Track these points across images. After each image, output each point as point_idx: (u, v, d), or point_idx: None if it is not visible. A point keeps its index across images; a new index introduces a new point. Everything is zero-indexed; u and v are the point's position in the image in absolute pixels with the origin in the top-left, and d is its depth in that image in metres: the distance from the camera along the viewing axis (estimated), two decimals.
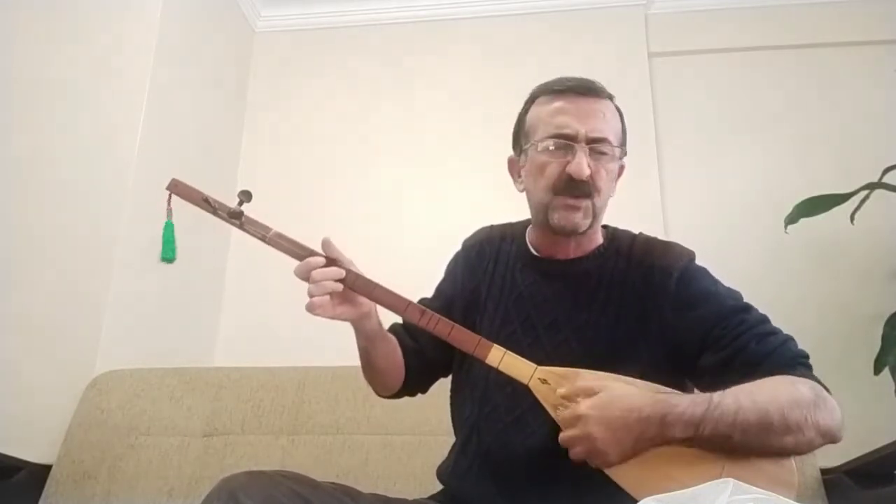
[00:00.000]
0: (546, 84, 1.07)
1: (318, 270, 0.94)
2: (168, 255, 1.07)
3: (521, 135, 1.09)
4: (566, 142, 1.00)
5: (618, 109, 1.07)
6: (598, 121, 1.01)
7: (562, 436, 0.88)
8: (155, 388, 1.68)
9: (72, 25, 1.98)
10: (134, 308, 1.83)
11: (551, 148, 1.01)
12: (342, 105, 2.51)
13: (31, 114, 1.91)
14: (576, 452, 0.87)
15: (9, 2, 1.99)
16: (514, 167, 1.13)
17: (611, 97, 1.06)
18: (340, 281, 0.95)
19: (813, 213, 1.86)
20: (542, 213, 1.04)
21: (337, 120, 2.49)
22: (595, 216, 1.03)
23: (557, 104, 1.03)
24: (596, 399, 0.86)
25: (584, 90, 1.03)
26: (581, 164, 0.98)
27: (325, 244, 0.97)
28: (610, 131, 1.02)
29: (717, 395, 0.85)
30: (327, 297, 0.94)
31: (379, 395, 1.18)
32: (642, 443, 0.84)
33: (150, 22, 1.97)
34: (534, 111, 1.07)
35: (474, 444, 1.06)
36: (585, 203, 1.01)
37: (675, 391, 0.89)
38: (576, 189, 1.00)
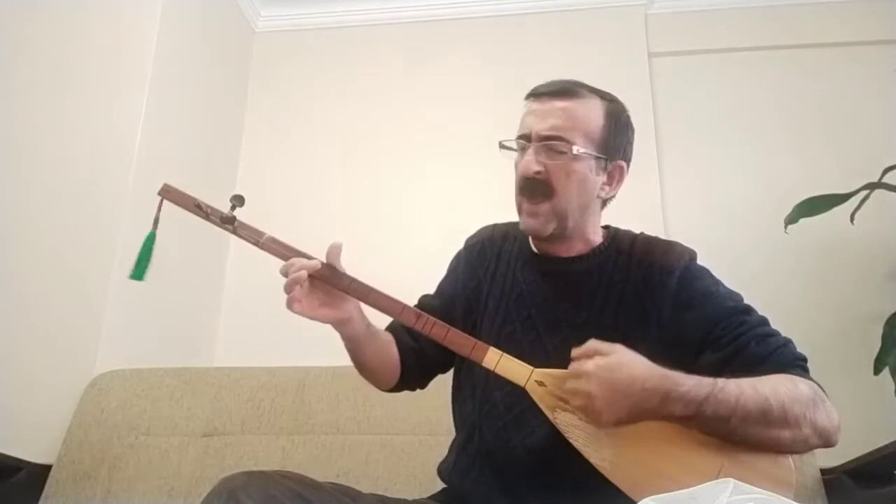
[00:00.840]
0: (532, 88, 1.08)
1: (292, 266, 0.95)
2: (138, 275, 1.00)
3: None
4: (522, 142, 1.02)
5: (608, 110, 1.05)
6: (555, 119, 1.00)
7: (566, 385, 0.88)
8: (155, 388, 1.68)
9: (72, 25, 1.98)
10: (134, 308, 1.83)
11: (514, 149, 1.04)
12: (342, 105, 2.51)
13: (30, 114, 1.91)
14: (574, 405, 0.88)
15: (8, 2, 1.98)
16: None
17: (601, 96, 1.05)
18: (342, 289, 0.97)
19: (813, 213, 1.86)
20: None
21: (337, 119, 2.49)
22: (561, 219, 1.02)
23: (527, 107, 1.05)
24: (604, 360, 0.86)
25: (556, 91, 1.03)
26: (526, 162, 1.00)
27: (333, 249, 0.97)
28: (571, 129, 1.00)
29: (721, 380, 0.86)
30: (300, 289, 0.94)
31: (377, 388, 1.18)
32: (640, 412, 0.84)
33: (150, 22, 1.97)
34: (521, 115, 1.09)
35: (475, 443, 1.06)
36: (544, 206, 1.01)
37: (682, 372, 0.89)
38: (527, 189, 1.01)
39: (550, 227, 1.02)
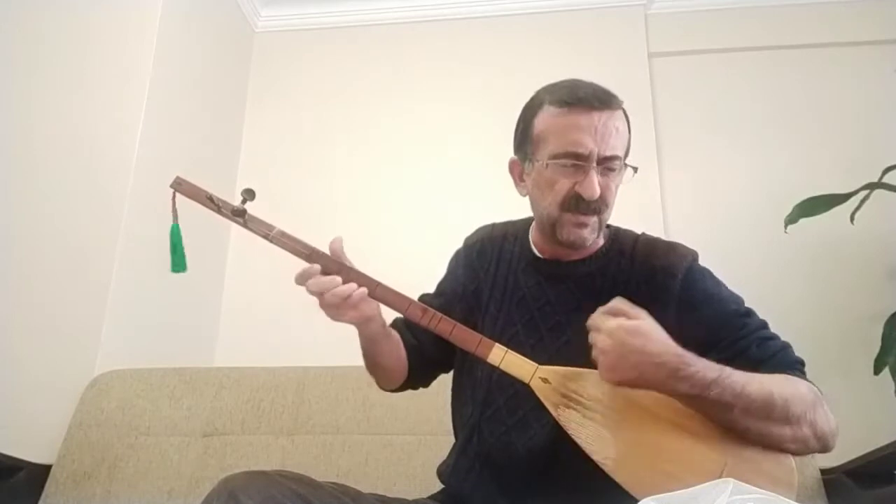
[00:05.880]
0: (556, 90, 1.02)
1: (322, 282, 0.95)
2: (178, 268, 1.02)
3: (527, 141, 1.04)
4: (578, 162, 0.97)
5: (626, 115, 1.03)
6: (611, 138, 0.97)
7: (591, 334, 0.89)
8: (155, 388, 1.68)
9: (72, 25, 1.98)
10: (134, 308, 1.83)
11: (562, 165, 0.98)
12: (342, 105, 2.51)
13: (30, 114, 1.91)
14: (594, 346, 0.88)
15: (9, 2, 1.98)
16: (515, 169, 1.10)
17: (621, 104, 1.01)
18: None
19: (813, 213, 1.86)
20: (548, 225, 1.03)
21: (337, 120, 2.49)
22: (601, 229, 1.03)
23: (570, 118, 0.97)
24: (628, 323, 0.86)
25: (598, 103, 0.97)
26: (593, 186, 0.96)
27: (335, 243, 0.98)
28: (621, 147, 1.00)
29: (729, 368, 0.86)
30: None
31: (381, 388, 1.18)
32: (645, 382, 0.85)
33: (150, 22, 1.97)
34: (543, 120, 1.01)
35: (475, 445, 1.06)
36: (593, 219, 1.00)
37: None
38: (586, 207, 0.98)
39: (593, 237, 1.02)
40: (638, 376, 0.85)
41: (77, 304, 1.74)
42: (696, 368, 0.85)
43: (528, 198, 1.10)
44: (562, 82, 1.03)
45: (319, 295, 0.95)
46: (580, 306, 1.03)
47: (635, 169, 1.02)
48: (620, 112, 1.01)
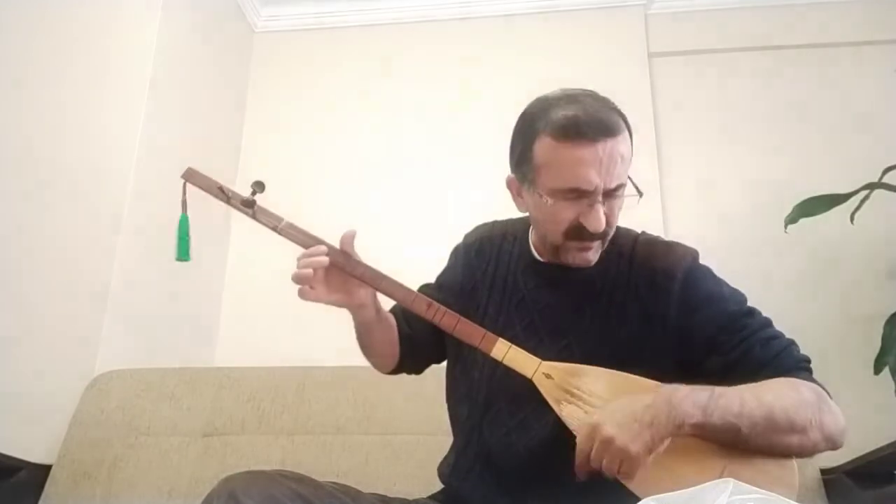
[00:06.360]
0: (555, 116, 0.93)
1: (305, 254, 0.98)
2: (183, 255, 1.04)
3: (525, 165, 0.98)
4: (583, 197, 0.94)
5: (627, 127, 0.96)
6: (616, 167, 0.92)
7: (584, 456, 0.87)
8: (155, 388, 1.68)
9: (72, 25, 1.98)
10: (134, 308, 1.83)
11: (565, 199, 0.94)
12: (342, 105, 2.51)
13: (31, 114, 1.90)
14: (606, 466, 0.85)
15: (8, 1, 1.98)
16: (513, 186, 1.05)
17: (623, 125, 0.95)
18: (355, 276, 0.99)
19: (813, 213, 1.86)
20: (551, 248, 1.02)
21: (337, 119, 2.49)
22: (605, 245, 1.01)
23: (573, 152, 0.91)
24: (602, 409, 0.88)
25: (601, 134, 0.91)
26: (598, 220, 0.93)
27: (347, 236, 1.00)
28: (625, 171, 0.95)
29: (718, 388, 0.87)
30: (311, 274, 0.96)
31: (377, 370, 1.20)
32: (658, 429, 0.84)
33: (150, 22, 1.98)
34: (544, 150, 0.94)
35: (475, 446, 1.06)
36: (598, 242, 0.99)
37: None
38: (590, 236, 0.96)
39: (597, 256, 1.01)
40: (649, 428, 0.84)
41: (77, 304, 1.74)
42: (685, 392, 0.86)
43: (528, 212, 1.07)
44: (559, 104, 0.95)
45: (306, 267, 0.96)
46: (580, 310, 1.03)
47: (641, 194, 0.98)
48: (624, 133, 0.94)
